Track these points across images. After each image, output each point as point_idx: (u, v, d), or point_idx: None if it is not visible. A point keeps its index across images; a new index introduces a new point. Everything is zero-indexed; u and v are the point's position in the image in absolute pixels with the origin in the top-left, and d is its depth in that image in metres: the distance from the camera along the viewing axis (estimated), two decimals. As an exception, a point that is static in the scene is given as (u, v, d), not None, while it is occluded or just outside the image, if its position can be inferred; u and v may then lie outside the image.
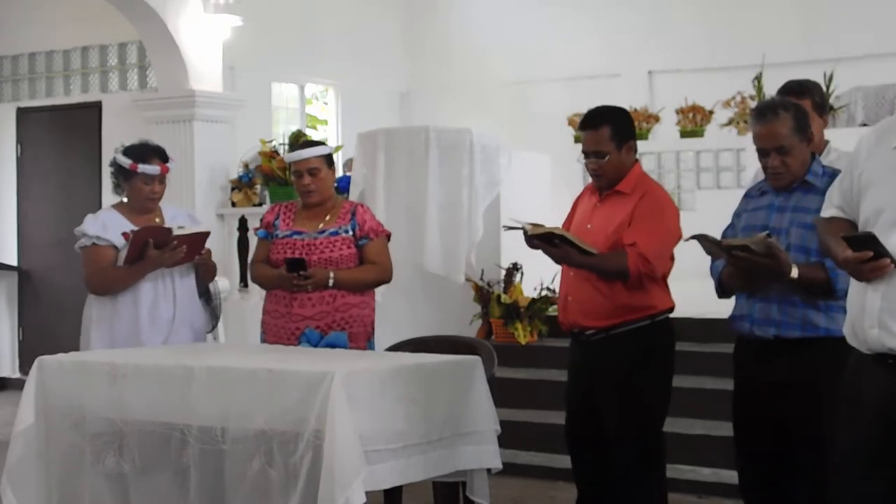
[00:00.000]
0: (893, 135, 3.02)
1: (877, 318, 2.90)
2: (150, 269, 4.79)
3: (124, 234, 4.81)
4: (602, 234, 4.30)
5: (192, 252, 4.83)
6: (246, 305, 8.05)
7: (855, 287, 3.00)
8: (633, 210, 4.30)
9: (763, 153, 3.91)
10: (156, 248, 4.73)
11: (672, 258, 4.43)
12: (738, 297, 3.99)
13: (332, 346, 4.58)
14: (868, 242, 2.88)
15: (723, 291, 4.05)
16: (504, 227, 4.90)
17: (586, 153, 4.39)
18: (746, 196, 4.12)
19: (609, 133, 4.34)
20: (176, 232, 4.79)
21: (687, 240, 4.03)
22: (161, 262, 4.77)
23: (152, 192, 4.91)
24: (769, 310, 3.82)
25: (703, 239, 3.81)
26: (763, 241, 3.65)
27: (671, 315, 4.46)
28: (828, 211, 3.22)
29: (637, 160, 4.48)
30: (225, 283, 7.31)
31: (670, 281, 4.49)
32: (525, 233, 4.34)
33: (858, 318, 2.96)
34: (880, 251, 2.85)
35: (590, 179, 4.57)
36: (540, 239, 4.27)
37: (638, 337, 4.32)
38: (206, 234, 4.92)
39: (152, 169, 4.88)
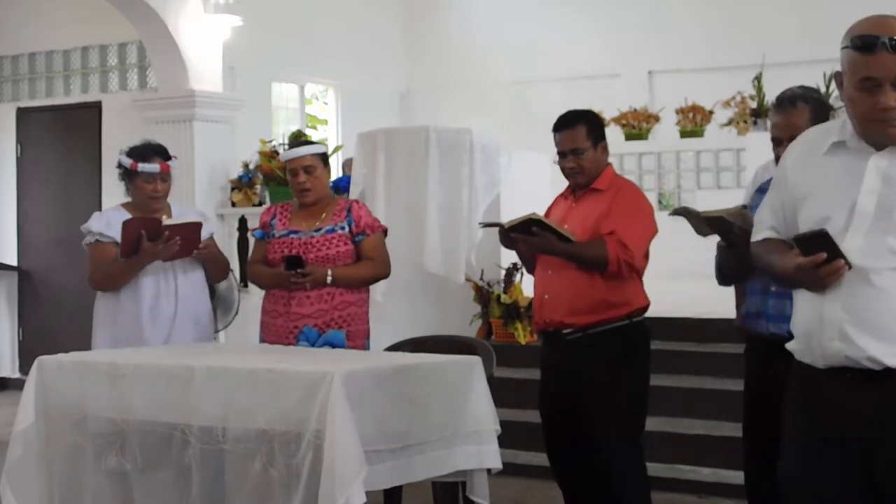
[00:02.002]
0: (820, 143, 2.92)
1: (838, 329, 2.74)
2: (147, 261, 4.78)
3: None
4: (580, 228, 4.33)
5: (188, 245, 4.82)
6: (246, 305, 8.04)
7: (808, 300, 2.85)
8: (610, 204, 4.37)
9: (777, 143, 3.86)
10: (149, 241, 4.74)
11: (647, 256, 4.46)
12: (751, 295, 3.95)
13: (331, 344, 4.57)
14: (821, 240, 2.73)
15: (722, 278, 4.04)
16: (480, 224, 4.93)
17: (563, 152, 4.46)
18: (759, 192, 4.05)
19: (585, 131, 4.44)
20: (166, 222, 4.79)
21: (671, 214, 4.03)
22: (156, 255, 4.76)
23: (154, 190, 4.92)
24: (783, 306, 3.75)
25: (685, 212, 3.80)
26: (739, 213, 3.68)
27: (661, 315, 4.48)
28: (760, 234, 3.07)
29: (610, 163, 4.55)
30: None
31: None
32: (501, 232, 4.37)
33: (816, 331, 2.81)
34: (833, 251, 2.71)
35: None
36: (517, 230, 4.28)
37: (615, 337, 4.35)
38: (199, 225, 4.88)
39: (151, 167, 4.89)
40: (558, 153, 4.49)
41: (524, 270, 7.32)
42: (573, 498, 4.57)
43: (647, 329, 4.49)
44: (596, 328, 4.33)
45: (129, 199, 5.05)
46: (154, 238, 4.72)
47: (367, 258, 4.87)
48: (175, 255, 4.81)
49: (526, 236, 4.29)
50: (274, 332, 4.80)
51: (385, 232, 4.98)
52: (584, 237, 4.32)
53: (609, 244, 4.26)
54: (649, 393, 4.49)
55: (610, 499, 4.39)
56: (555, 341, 4.45)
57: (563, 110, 4.59)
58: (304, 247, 4.80)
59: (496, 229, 4.55)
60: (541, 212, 4.69)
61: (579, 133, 4.43)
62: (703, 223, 3.84)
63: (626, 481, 4.39)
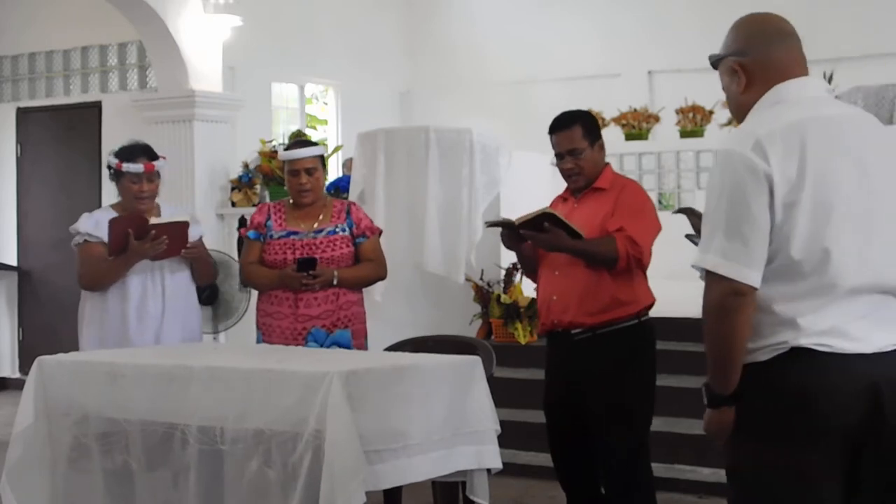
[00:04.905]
0: None
1: None
2: (135, 260, 4.79)
3: None
4: (587, 228, 4.32)
5: (176, 245, 4.82)
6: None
7: None
8: (615, 202, 4.36)
9: None
10: (136, 239, 4.74)
11: (650, 253, 4.45)
12: None
13: (338, 344, 4.62)
14: None
15: None
16: (486, 223, 4.93)
17: (561, 154, 4.44)
18: None
19: (581, 131, 4.42)
20: (153, 221, 4.79)
21: (675, 212, 4.03)
22: (143, 253, 4.77)
23: (140, 190, 4.92)
24: None
25: (690, 212, 3.79)
26: None
27: (662, 315, 4.48)
28: None
29: (608, 163, 4.55)
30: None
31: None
32: (505, 234, 4.36)
33: None
34: None
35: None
36: (529, 226, 4.27)
37: (625, 336, 4.34)
38: (185, 224, 4.88)
39: (136, 167, 4.89)
40: (556, 155, 4.47)
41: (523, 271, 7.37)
42: (577, 499, 4.56)
43: (653, 327, 4.48)
44: (606, 328, 4.32)
45: (118, 200, 5.05)
46: (141, 236, 4.73)
47: (366, 260, 4.89)
48: (163, 255, 4.81)
49: (535, 233, 4.29)
50: (280, 333, 4.78)
51: (380, 234, 5.01)
52: (591, 235, 4.31)
53: (619, 240, 4.26)
54: (656, 391, 4.49)
55: (617, 499, 4.38)
56: (562, 342, 4.44)
57: (562, 110, 4.58)
58: (308, 248, 4.80)
59: (496, 230, 4.54)
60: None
61: (576, 133, 4.41)
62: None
63: (634, 481, 4.38)
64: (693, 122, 10.60)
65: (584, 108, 4.70)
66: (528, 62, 12.28)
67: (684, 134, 10.69)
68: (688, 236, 3.73)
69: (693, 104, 10.60)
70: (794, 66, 2.74)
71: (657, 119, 10.93)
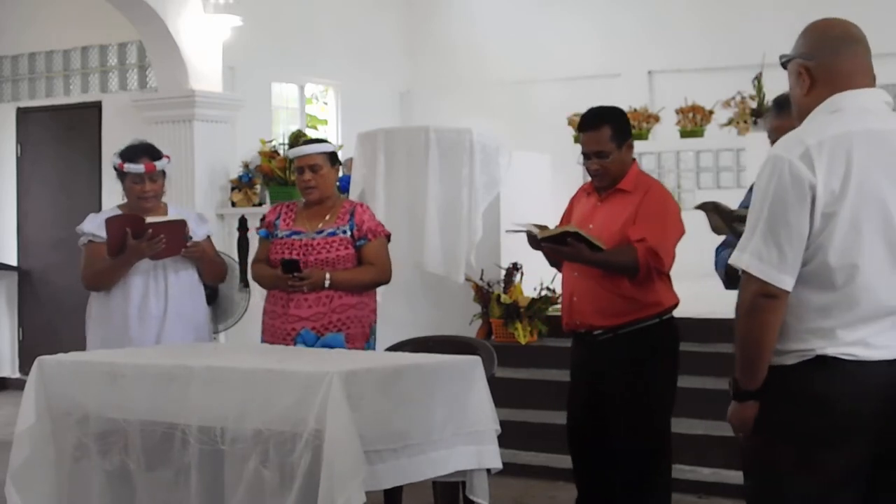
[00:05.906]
0: None
1: None
2: (134, 259, 4.79)
3: None
4: (607, 231, 4.31)
5: (174, 244, 4.81)
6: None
7: None
8: (637, 207, 4.33)
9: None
10: (134, 238, 4.73)
11: (674, 256, 4.43)
12: None
13: (329, 347, 4.58)
14: None
15: (730, 281, 4.02)
16: (507, 231, 4.91)
17: (587, 154, 4.40)
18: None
19: (610, 133, 4.37)
20: (149, 220, 4.78)
21: (696, 207, 3.98)
22: (142, 253, 4.77)
23: (142, 191, 4.92)
24: None
25: (710, 209, 3.73)
26: None
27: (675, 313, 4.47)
28: None
29: (634, 159, 4.51)
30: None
31: (672, 280, 4.50)
32: (530, 236, 4.35)
33: None
34: None
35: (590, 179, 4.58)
36: (552, 240, 4.26)
37: (646, 335, 4.34)
38: (183, 223, 4.88)
39: (136, 167, 4.89)
40: (582, 153, 4.44)
41: (523, 270, 7.37)
42: (590, 499, 4.56)
43: (676, 327, 4.47)
44: (627, 328, 4.32)
45: (126, 201, 5.06)
46: (138, 236, 4.73)
47: (368, 263, 4.84)
48: (162, 254, 4.81)
49: (557, 246, 4.27)
50: (272, 332, 4.79)
51: (388, 237, 4.95)
52: (610, 239, 4.29)
53: (640, 252, 4.24)
54: (675, 392, 4.48)
55: (633, 499, 4.38)
56: (586, 342, 4.45)
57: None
58: (305, 248, 4.78)
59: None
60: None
61: (604, 135, 4.36)
62: (735, 220, 3.76)
63: (651, 482, 4.38)
64: (693, 122, 10.60)
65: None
66: (528, 62, 12.26)
67: (684, 134, 10.68)
68: (733, 218, 3.70)
69: (693, 104, 10.60)
70: (859, 74, 2.80)
71: (657, 119, 10.93)
